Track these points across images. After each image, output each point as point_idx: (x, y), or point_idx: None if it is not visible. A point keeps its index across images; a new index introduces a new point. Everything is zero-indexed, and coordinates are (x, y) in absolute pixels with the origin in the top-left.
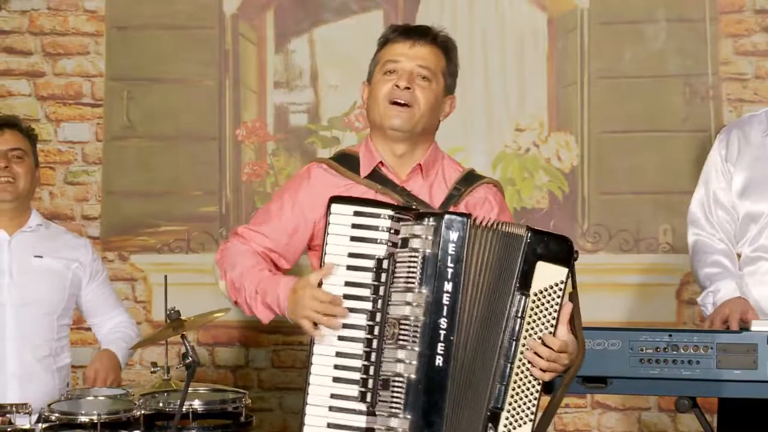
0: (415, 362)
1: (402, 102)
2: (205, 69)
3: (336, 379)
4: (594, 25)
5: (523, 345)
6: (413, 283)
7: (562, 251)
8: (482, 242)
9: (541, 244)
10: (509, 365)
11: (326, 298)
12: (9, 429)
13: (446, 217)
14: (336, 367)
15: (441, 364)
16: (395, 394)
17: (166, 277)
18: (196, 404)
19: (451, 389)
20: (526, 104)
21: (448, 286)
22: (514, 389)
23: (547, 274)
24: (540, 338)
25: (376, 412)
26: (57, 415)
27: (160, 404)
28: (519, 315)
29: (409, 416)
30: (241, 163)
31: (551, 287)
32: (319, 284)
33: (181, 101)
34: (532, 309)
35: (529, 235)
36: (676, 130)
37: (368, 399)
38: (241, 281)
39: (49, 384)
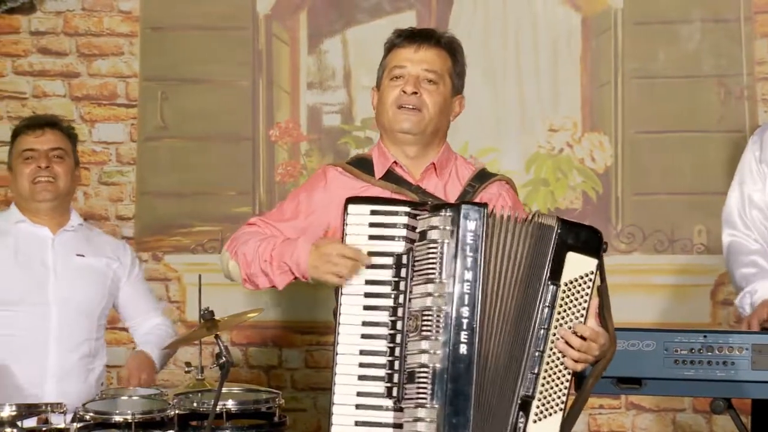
0: (439, 352)
1: (410, 107)
2: (238, 69)
3: (362, 377)
4: (628, 25)
5: (554, 335)
6: (433, 274)
7: (592, 242)
8: (506, 232)
9: (572, 235)
10: (540, 354)
11: (351, 252)
12: (44, 428)
13: (463, 206)
14: (361, 365)
15: (465, 352)
16: (421, 385)
17: (200, 277)
18: (230, 404)
19: (477, 376)
20: (560, 105)
21: (468, 275)
22: (545, 378)
23: (578, 265)
24: (571, 327)
25: (403, 405)
26: (91, 414)
27: (194, 404)
28: (550, 305)
29: (436, 405)
30: (275, 163)
31: (581, 277)
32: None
33: (214, 102)
34: (562, 299)
35: (560, 225)
36: (711, 131)
37: (394, 394)
38: (255, 251)
39: (85, 383)
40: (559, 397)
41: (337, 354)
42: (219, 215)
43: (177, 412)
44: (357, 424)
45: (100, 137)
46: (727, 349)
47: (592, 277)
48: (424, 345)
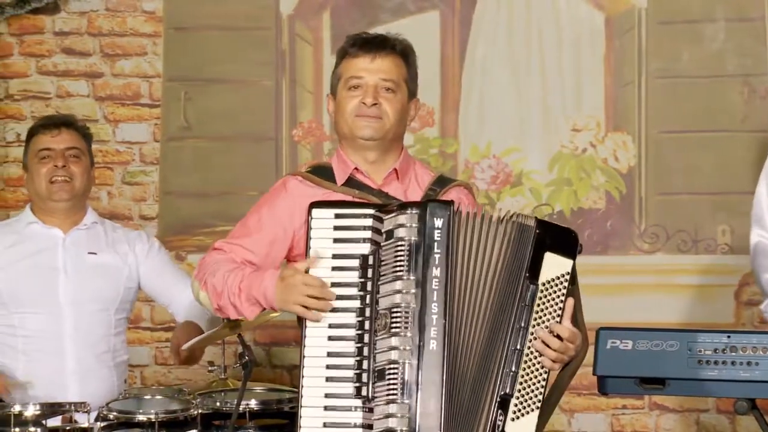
0: (409, 347)
1: (371, 116)
2: (261, 70)
3: (329, 379)
4: (652, 24)
5: (532, 333)
6: (401, 271)
7: (569, 243)
8: (477, 229)
9: (549, 235)
10: (518, 352)
11: (316, 283)
12: (68, 428)
13: (429, 204)
14: (328, 366)
15: (435, 348)
16: (391, 382)
17: None
18: (253, 404)
19: (449, 372)
20: (583, 104)
21: (436, 272)
22: (523, 377)
23: (555, 265)
24: (548, 328)
25: (374, 403)
26: (115, 413)
27: (217, 403)
28: (528, 304)
29: (407, 401)
30: (298, 163)
31: (558, 278)
32: (306, 272)
33: (237, 102)
34: (540, 299)
35: (538, 225)
36: (735, 130)
37: (363, 393)
38: (224, 283)
39: (107, 380)
40: (536, 396)
41: (304, 357)
42: (242, 215)
43: (200, 411)
44: (326, 425)
45: (124, 137)
46: (751, 349)
47: (568, 277)
48: (394, 342)
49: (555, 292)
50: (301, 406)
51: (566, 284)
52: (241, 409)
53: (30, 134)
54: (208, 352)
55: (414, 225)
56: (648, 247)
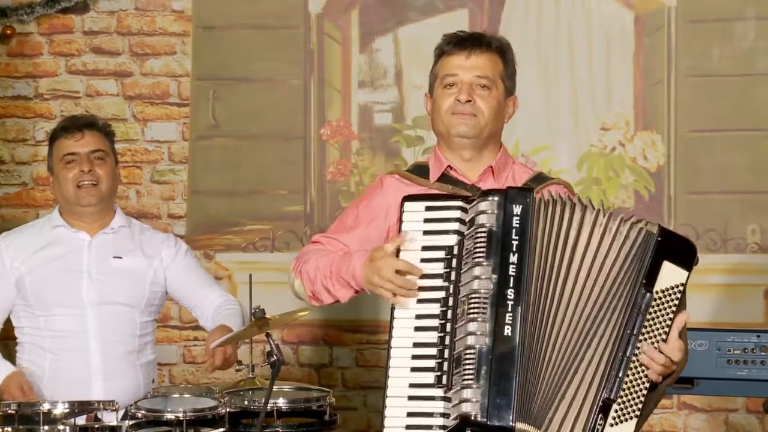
0: (485, 332)
1: (466, 114)
2: (290, 68)
3: (414, 369)
4: (681, 23)
5: (641, 342)
6: (480, 257)
7: (687, 254)
8: (577, 220)
9: (670, 244)
10: (626, 358)
11: (405, 267)
12: (96, 426)
13: (510, 190)
14: (414, 357)
15: (509, 334)
16: (467, 367)
17: (250, 275)
18: (281, 402)
19: (521, 359)
20: (612, 103)
21: (513, 258)
22: (626, 383)
23: (671, 275)
24: (657, 338)
25: (452, 391)
26: (143, 412)
27: (245, 402)
28: (642, 311)
29: (481, 385)
30: (326, 162)
31: (672, 288)
32: (397, 253)
33: (266, 101)
34: (653, 307)
35: (661, 233)
36: (765, 129)
37: (443, 382)
38: (316, 268)
39: (133, 380)
40: (636, 404)
41: (391, 348)
42: (270, 214)
43: (228, 409)
44: (409, 414)
45: (153, 136)
46: None
47: (682, 288)
48: (471, 327)
49: (669, 302)
50: (386, 396)
51: (680, 295)
52: (268, 407)
53: (53, 138)
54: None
55: (494, 211)
56: None
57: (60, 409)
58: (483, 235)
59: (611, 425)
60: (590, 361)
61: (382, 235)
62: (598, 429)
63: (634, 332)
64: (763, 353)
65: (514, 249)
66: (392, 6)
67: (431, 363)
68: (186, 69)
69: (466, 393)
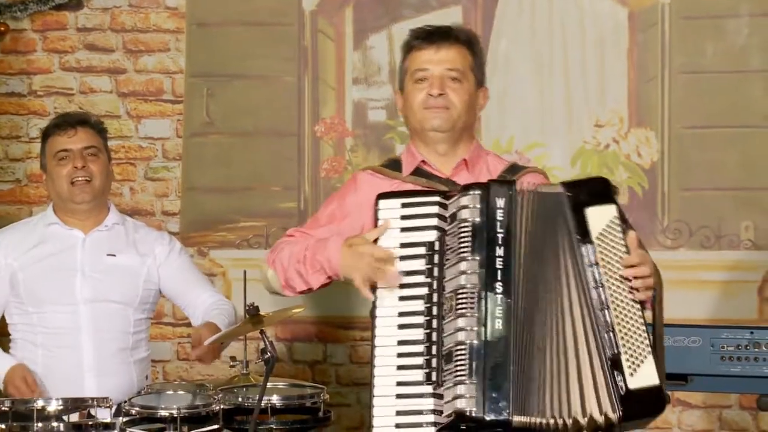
0: (475, 328)
1: (438, 107)
2: (284, 65)
3: (401, 367)
4: (675, 19)
5: (610, 287)
6: (466, 252)
7: (602, 189)
8: (529, 206)
9: (581, 193)
10: (607, 310)
11: (383, 254)
12: (90, 422)
13: (491, 184)
14: (399, 355)
15: (501, 327)
16: (459, 363)
17: (245, 272)
18: (275, 399)
19: (514, 351)
20: (606, 100)
21: (500, 251)
22: (621, 330)
23: (600, 217)
24: (620, 262)
25: (444, 388)
26: (137, 409)
27: (239, 399)
28: (594, 263)
29: (474, 381)
30: (320, 159)
31: (608, 226)
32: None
33: (260, 98)
34: (601, 253)
35: (566, 188)
36: (758, 126)
37: (433, 378)
38: (289, 255)
39: (126, 377)
40: (643, 341)
41: (375, 347)
42: (264, 211)
43: (222, 406)
44: (398, 413)
45: (147, 133)
46: None
47: (617, 221)
48: (461, 323)
49: (612, 239)
50: (373, 396)
51: (619, 227)
52: (262, 404)
53: (45, 135)
54: (230, 347)
55: (477, 206)
56: (671, 243)
57: (54, 406)
58: (467, 230)
59: (632, 375)
60: (577, 334)
61: (355, 232)
62: (622, 387)
63: (600, 284)
64: (756, 350)
65: (500, 242)
66: (386, 3)
67: (419, 360)
68: (180, 66)
69: (460, 389)
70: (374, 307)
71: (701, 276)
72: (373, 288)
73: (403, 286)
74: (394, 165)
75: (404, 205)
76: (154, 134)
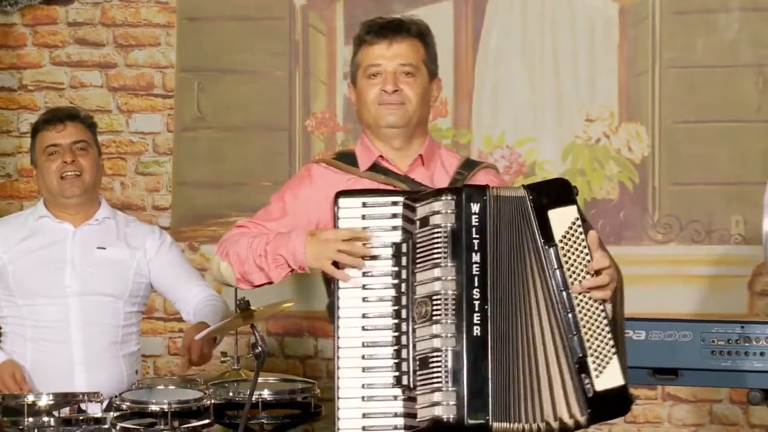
0: (452, 335)
1: (393, 103)
2: (275, 60)
3: (366, 369)
4: (666, 14)
5: (573, 286)
6: (440, 258)
7: (563, 191)
8: (497, 211)
9: (543, 195)
10: (572, 314)
11: (348, 234)
12: (81, 417)
13: (466, 189)
14: (364, 357)
15: (479, 334)
16: (435, 370)
17: None
18: (266, 394)
19: (492, 357)
20: (597, 94)
21: (476, 257)
22: (586, 333)
23: (561, 219)
24: (586, 268)
25: (417, 392)
26: (128, 403)
27: (230, 394)
28: (558, 266)
29: (453, 388)
30: (311, 153)
31: (570, 227)
32: None
33: (251, 92)
34: (565, 255)
35: (529, 191)
36: (749, 121)
37: (405, 382)
38: (248, 248)
39: (115, 371)
40: (607, 342)
41: (338, 348)
42: (255, 205)
43: (213, 401)
44: (365, 416)
45: (137, 128)
46: (764, 339)
47: (579, 222)
48: (436, 329)
49: (575, 240)
50: (338, 398)
51: (580, 228)
52: (253, 399)
53: (35, 130)
54: (221, 342)
55: (450, 211)
56: (661, 238)
57: (44, 401)
58: (440, 235)
59: (597, 376)
60: (545, 339)
61: (311, 226)
62: (589, 389)
63: (563, 287)
64: (747, 344)
65: (476, 248)
66: None
67: (386, 363)
68: (171, 60)
69: (437, 396)
70: (336, 306)
71: (691, 270)
72: (330, 282)
73: (367, 287)
74: (347, 158)
75: (365, 205)
76: (145, 129)
